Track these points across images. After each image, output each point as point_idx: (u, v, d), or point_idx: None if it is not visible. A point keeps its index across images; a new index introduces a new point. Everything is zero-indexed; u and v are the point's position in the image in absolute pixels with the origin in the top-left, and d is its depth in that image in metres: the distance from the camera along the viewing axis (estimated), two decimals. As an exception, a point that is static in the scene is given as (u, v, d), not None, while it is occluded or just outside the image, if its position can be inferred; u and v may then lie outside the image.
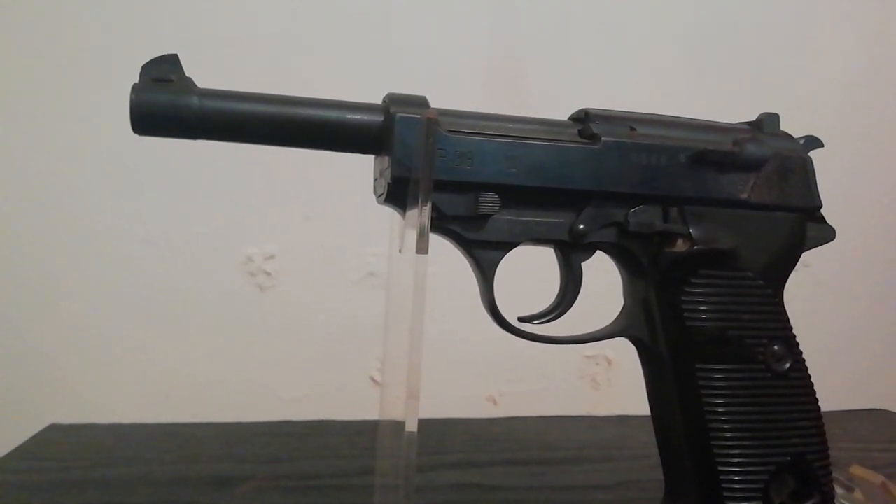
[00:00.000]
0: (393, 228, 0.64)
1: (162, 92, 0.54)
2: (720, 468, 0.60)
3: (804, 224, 0.66)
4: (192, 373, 1.21)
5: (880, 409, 1.38)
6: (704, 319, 0.62)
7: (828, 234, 0.67)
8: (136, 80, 0.54)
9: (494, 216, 0.60)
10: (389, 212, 0.63)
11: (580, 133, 0.62)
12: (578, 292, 0.66)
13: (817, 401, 0.64)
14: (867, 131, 1.42)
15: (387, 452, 0.65)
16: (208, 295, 1.21)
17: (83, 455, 0.99)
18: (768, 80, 1.35)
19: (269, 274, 1.22)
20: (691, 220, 0.63)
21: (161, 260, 1.19)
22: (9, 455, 0.98)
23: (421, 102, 0.58)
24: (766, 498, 0.60)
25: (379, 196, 0.61)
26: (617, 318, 0.68)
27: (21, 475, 0.90)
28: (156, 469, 0.94)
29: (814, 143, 0.68)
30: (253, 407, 1.19)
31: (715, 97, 1.29)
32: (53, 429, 1.10)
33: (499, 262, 0.62)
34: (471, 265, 0.63)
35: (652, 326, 0.65)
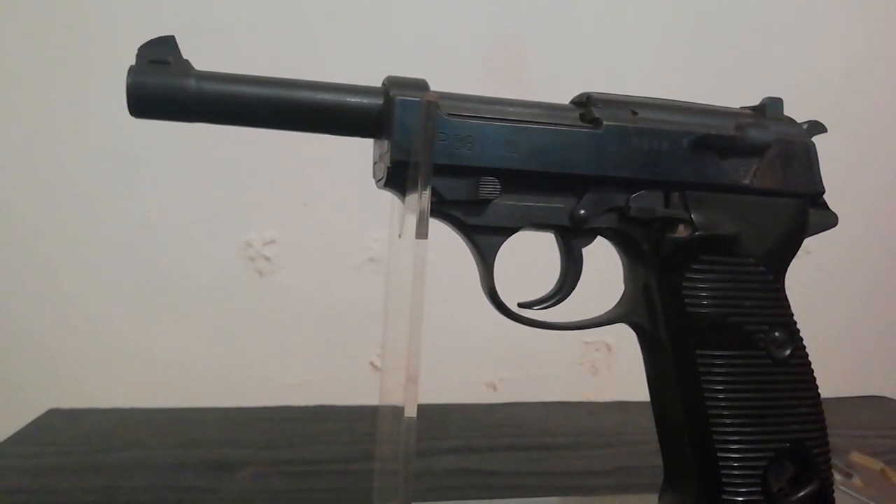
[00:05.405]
0: (392, 213, 0.64)
1: (159, 74, 0.53)
2: (719, 454, 0.60)
3: (806, 210, 0.65)
4: (191, 358, 1.22)
5: (880, 396, 1.38)
6: (705, 305, 0.61)
7: (830, 221, 0.67)
8: (133, 62, 0.53)
9: (495, 201, 0.59)
10: (389, 196, 0.62)
11: (582, 117, 0.61)
12: (579, 278, 0.65)
13: (817, 387, 0.64)
14: (871, 117, 1.41)
15: (386, 438, 0.65)
16: (208, 280, 1.21)
17: (83, 440, 0.99)
18: (772, 64, 1.34)
19: (268, 259, 1.22)
20: (693, 206, 0.62)
21: (160, 245, 1.19)
22: (8, 440, 0.98)
23: (421, 85, 0.58)
24: (764, 484, 0.60)
25: (378, 180, 0.61)
26: (617, 304, 0.68)
27: (21, 460, 0.91)
28: (155, 454, 0.94)
29: (817, 128, 0.67)
30: (252, 392, 1.19)
31: (718, 82, 1.28)
32: (53, 413, 1.10)
33: (499, 247, 0.61)
34: (471, 250, 0.63)
35: (652, 312, 0.64)
